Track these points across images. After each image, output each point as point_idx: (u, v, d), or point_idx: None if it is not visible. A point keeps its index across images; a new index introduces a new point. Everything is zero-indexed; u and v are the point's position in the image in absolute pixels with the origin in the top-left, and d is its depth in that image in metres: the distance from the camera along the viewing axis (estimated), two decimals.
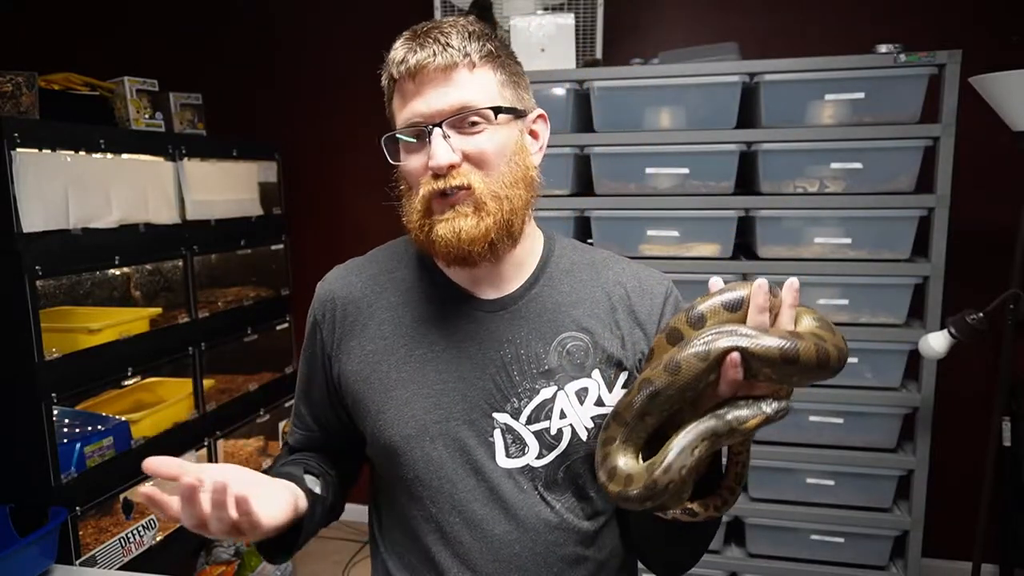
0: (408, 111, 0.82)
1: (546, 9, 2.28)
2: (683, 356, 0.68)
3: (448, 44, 0.81)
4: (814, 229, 2.07)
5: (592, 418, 0.87)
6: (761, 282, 0.69)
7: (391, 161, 0.88)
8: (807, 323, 0.72)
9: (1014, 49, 2.22)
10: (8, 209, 1.60)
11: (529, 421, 0.87)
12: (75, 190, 1.76)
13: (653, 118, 2.14)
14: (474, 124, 0.82)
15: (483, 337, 0.89)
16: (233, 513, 0.70)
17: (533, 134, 0.90)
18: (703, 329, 0.70)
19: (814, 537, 2.18)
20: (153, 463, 0.70)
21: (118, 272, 2.10)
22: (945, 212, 1.95)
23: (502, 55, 0.86)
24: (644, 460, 0.73)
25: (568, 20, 2.20)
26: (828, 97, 2.01)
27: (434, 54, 0.80)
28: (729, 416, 0.69)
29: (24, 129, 1.64)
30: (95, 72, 2.19)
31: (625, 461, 0.73)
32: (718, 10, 2.52)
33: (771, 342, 0.66)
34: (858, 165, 2.00)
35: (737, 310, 0.71)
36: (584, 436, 0.87)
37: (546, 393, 0.87)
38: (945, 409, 2.20)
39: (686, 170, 2.11)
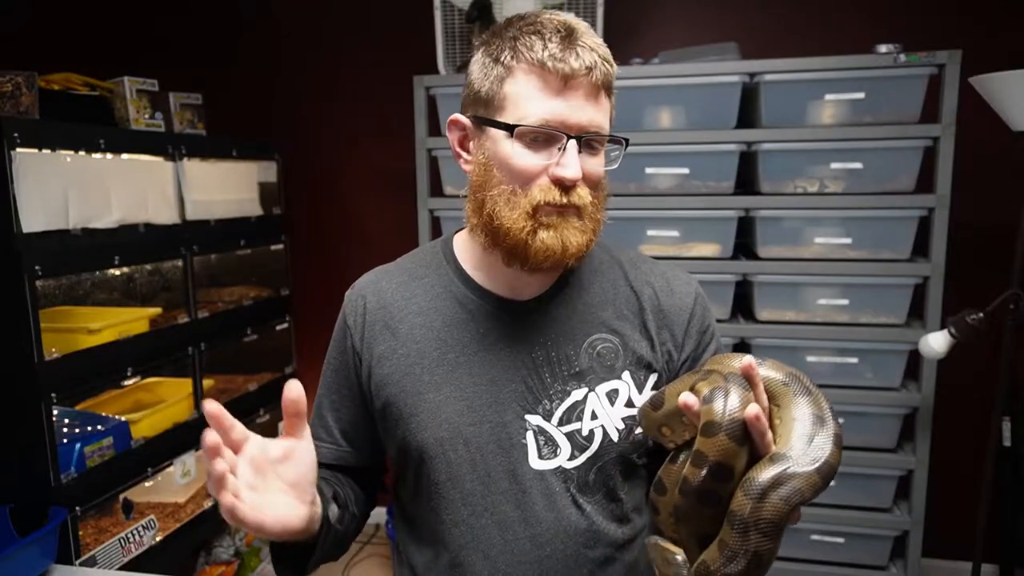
0: (546, 109, 0.80)
1: (546, 9, 2.28)
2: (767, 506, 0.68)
3: (606, 60, 0.81)
4: (814, 229, 2.07)
5: (623, 419, 0.88)
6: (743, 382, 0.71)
7: (476, 152, 0.86)
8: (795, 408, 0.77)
9: (1014, 49, 2.22)
10: (8, 209, 1.60)
11: (561, 422, 0.87)
12: (75, 190, 1.76)
13: (653, 118, 2.14)
14: (591, 146, 0.83)
15: (514, 340, 0.89)
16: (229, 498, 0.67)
17: None
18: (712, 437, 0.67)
19: (814, 537, 2.18)
20: (211, 407, 0.70)
21: (118, 272, 2.10)
22: (945, 212, 1.95)
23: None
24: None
25: None
26: (828, 97, 2.01)
27: (594, 65, 0.79)
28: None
29: (24, 129, 1.64)
30: (95, 72, 2.19)
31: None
32: (718, 10, 2.52)
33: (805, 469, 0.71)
34: (858, 165, 2.01)
35: (740, 435, 0.70)
36: (615, 437, 0.87)
37: (577, 395, 0.88)
38: (945, 409, 2.20)
39: (686, 170, 2.11)
